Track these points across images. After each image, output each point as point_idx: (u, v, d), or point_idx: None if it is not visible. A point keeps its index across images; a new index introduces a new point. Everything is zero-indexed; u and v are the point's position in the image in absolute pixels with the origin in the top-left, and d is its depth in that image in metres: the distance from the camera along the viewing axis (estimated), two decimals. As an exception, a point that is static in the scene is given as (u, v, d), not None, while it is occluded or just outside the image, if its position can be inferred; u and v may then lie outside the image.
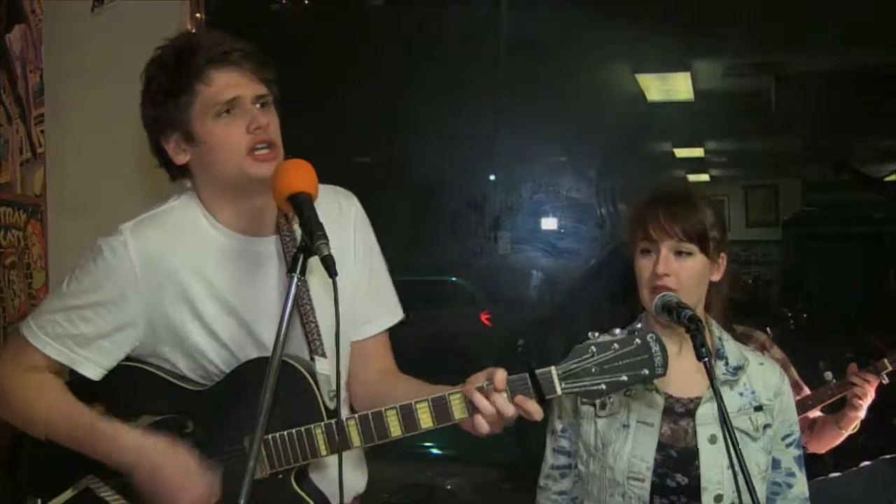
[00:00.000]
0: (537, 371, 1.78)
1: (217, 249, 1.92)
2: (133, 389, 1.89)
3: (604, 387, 1.77)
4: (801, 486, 2.15)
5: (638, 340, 1.77)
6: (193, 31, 1.86)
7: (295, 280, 1.63)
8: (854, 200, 6.47)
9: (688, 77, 5.70)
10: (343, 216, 2.05)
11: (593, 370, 1.76)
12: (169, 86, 1.86)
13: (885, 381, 2.91)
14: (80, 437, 1.85)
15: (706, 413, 2.05)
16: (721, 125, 6.15)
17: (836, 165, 6.28)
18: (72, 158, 3.11)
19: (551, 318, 5.41)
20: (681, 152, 7.12)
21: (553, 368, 1.78)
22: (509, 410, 1.77)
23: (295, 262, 1.64)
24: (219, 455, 1.85)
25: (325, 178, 1.87)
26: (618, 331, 1.80)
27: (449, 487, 4.97)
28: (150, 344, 1.91)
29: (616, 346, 1.77)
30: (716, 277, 2.13)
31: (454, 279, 6.04)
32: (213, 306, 1.90)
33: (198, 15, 3.24)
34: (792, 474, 2.14)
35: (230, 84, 1.86)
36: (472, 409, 1.79)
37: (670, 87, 5.89)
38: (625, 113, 5.80)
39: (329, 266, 1.61)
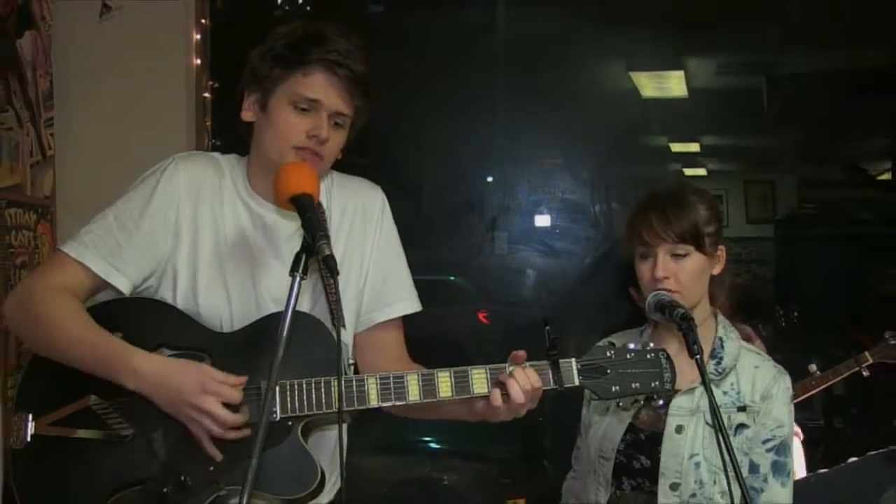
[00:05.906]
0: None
1: (245, 207, 2.01)
2: (154, 322, 1.91)
3: (617, 388, 1.87)
4: (772, 492, 2.12)
5: (650, 355, 1.89)
6: (329, 29, 1.96)
7: (297, 280, 1.69)
8: (848, 198, 6.49)
9: (681, 76, 5.78)
10: (368, 209, 2.13)
11: (608, 370, 1.88)
12: (278, 53, 1.95)
13: (866, 373, 3.00)
14: (98, 360, 1.85)
15: (679, 404, 2.12)
16: (716, 121, 6.20)
17: (846, 167, 6.31)
18: (80, 160, 3.18)
19: (549, 317, 5.43)
20: (677, 147, 7.15)
21: (573, 360, 1.89)
22: (534, 380, 1.85)
23: (297, 261, 1.70)
24: None
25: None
26: (632, 345, 1.91)
27: (446, 482, 4.98)
28: (161, 270, 1.97)
29: (631, 354, 1.89)
30: (716, 271, 2.18)
31: (453, 278, 6.06)
32: (231, 249, 1.98)
33: (203, 21, 3.30)
34: (765, 480, 2.13)
35: (322, 87, 1.94)
36: (496, 384, 1.86)
37: (664, 84, 5.96)
38: (621, 110, 5.83)
39: (331, 266, 1.67)
